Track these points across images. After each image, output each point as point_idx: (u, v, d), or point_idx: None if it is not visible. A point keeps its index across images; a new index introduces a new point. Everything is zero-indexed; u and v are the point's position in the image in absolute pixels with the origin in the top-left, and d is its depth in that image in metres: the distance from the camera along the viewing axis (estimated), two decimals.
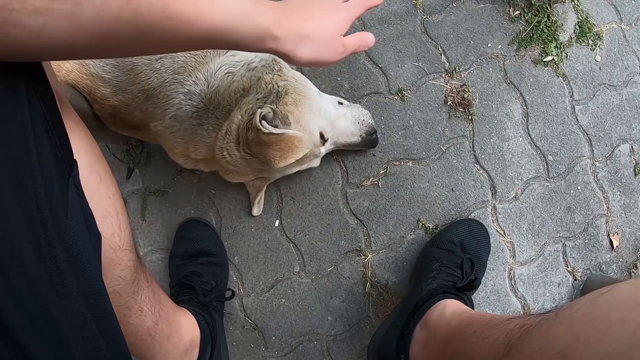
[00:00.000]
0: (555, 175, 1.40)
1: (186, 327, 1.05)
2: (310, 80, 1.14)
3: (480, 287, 1.29)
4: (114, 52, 0.58)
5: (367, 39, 0.80)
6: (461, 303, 1.09)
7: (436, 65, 1.39)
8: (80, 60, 1.07)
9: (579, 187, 1.41)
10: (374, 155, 1.34)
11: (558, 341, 0.55)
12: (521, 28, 1.44)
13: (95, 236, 0.61)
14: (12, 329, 0.46)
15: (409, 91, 1.37)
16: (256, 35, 0.63)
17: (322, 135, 1.11)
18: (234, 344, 1.32)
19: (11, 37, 0.47)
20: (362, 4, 0.78)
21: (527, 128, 1.40)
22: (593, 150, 1.44)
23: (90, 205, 0.62)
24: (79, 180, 0.60)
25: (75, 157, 0.60)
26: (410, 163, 1.35)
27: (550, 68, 1.44)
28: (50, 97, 0.57)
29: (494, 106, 1.39)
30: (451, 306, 1.05)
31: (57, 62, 1.06)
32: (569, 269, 1.39)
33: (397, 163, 1.35)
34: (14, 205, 0.47)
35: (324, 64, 0.75)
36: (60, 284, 0.50)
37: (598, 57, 1.48)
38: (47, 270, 0.49)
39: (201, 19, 0.56)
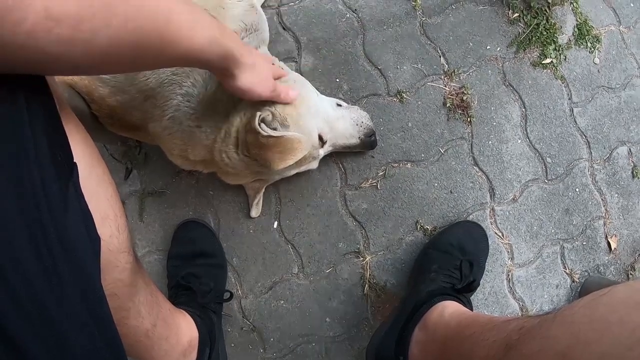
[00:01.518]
0: (553, 177, 1.41)
1: (184, 328, 1.05)
2: (309, 81, 1.14)
3: (478, 288, 1.29)
4: (110, 70, 0.69)
5: (291, 94, 1.01)
6: (460, 304, 1.09)
7: (435, 67, 1.39)
8: None
9: (577, 190, 1.42)
10: (373, 157, 1.34)
11: (557, 342, 0.55)
12: (520, 30, 1.44)
13: (94, 239, 0.61)
14: (11, 330, 0.46)
15: (407, 93, 1.37)
16: (221, 54, 0.76)
17: (320, 137, 1.11)
18: (233, 345, 1.32)
19: (29, 60, 0.50)
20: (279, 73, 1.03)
21: (526, 130, 1.41)
22: (591, 153, 1.44)
23: (88, 207, 0.62)
24: (79, 183, 0.60)
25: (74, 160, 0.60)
26: (408, 165, 1.35)
27: (549, 70, 1.44)
28: (49, 99, 0.57)
29: (492, 108, 1.40)
30: (450, 307, 1.05)
31: None
32: (567, 270, 1.39)
33: (396, 165, 1.35)
34: (13, 208, 0.47)
35: (257, 95, 0.91)
36: (59, 286, 0.50)
37: (597, 60, 1.48)
38: (46, 272, 0.49)
39: (185, 43, 0.67)
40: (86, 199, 0.62)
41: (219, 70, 0.82)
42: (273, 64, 1.09)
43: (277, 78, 1.02)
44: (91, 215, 0.61)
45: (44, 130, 0.53)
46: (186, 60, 0.72)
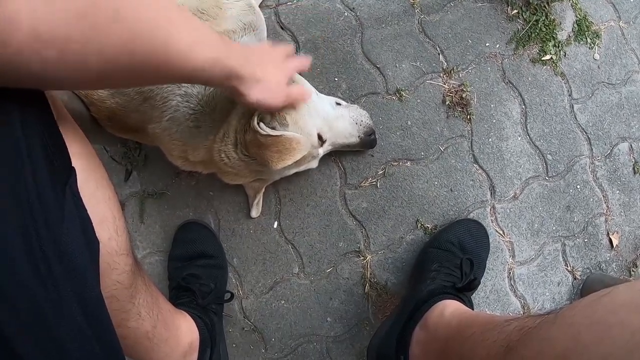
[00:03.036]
0: (554, 174, 1.40)
1: (185, 330, 1.05)
2: (307, 81, 1.14)
3: (479, 287, 1.29)
4: (107, 87, 0.74)
5: (306, 95, 1.01)
6: (461, 303, 1.09)
7: (434, 65, 1.39)
8: None
9: (578, 186, 1.41)
10: (372, 156, 1.34)
11: (557, 344, 0.55)
12: (519, 27, 1.44)
13: (92, 242, 0.61)
14: (7, 336, 0.46)
15: (407, 91, 1.37)
16: (224, 74, 0.75)
17: (320, 137, 1.11)
18: (234, 345, 1.32)
19: (18, 79, 0.50)
20: (296, 68, 0.98)
21: (526, 127, 1.40)
22: (592, 149, 1.43)
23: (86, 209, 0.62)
24: (77, 187, 0.60)
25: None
26: (408, 163, 1.35)
27: (548, 67, 1.43)
28: (45, 104, 0.57)
29: (492, 105, 1.39)
30: (450, 306, 1.05)
31: None
32: (569, 268, 1.39)
33: (396, 163, 1.35)
34: (7, 215, 0.47)
35: (269, 107, 0.91)
36: (55, 292, 0.50)
37: (596, 56, 1.48)
38: (41, 278, 0.49)
39: (185, 63, 0.65)
40: (84, 202, 0.62)
41: (225, 88, 0.82)
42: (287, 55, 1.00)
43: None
44: (89, 220, 0.61)
45: (39, 136, 0.53)
46: (187, 80, 0.73)
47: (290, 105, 0.98)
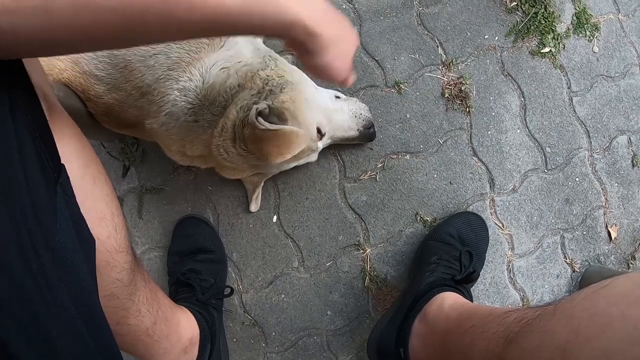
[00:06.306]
0: (553, 167, 1.40)
1: (185, 325, 1.05)
2: (306, 74, 1.13)
3: (479, 279, 1.29)
4: (102, 45, 0.53)
5: (350, 82, 0.81)
6: (460, 296, 1.09)
7: (433, 57, 1.38)
8: (73, 58, 1.05)
9: (577, 179, 1.41)
10: (372, 149, 1.34)
11: (557, 337, 0.54)
12: (518, 19, 1.43)
13: (86, 241, 0.60)
14: (1, 338, 0.46)
15: (405, 84, 1.36)
16: (283, 23, 0.57)
17: (319, 130, 1.10)
18: (234, 340, 1.32)
19: None
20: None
21: (525, 120, 1.40)
22: (591, 142, 1.43)
23: (84, 207, 0.61)
24: (69, 185, 0.59)
25: (66, 160, 0.59)
26: (407, 156, 1.35)
27: (547, 59, 1.43)
28: (35, 103, 0.56)
29: (491, 98, 1.39)
30: (449, 299, 1.05)
31: (49, 60, 1.05)
32: (568, 260, 1.39)
33: (395, 156, 1.34)
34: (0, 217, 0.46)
35: (333, 76, 0.73)
36: (48, 291, 0.50)
37: (595, 48, 1.47)
38: (34, 278, 0.48)
39: (207, 2, 0.49)
40: (82, 199, 0.61)
41: (283, 39, 0.63)
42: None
43: None
44: (82, 217, 0.60)
45: (30, 134, 0.52)
46: (211, 28, 0.53)
47: (345, 85, 0.82)
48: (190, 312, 1.10)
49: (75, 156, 0.64)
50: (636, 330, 0.47)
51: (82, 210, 0.61)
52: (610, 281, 0.55)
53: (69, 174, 0.59)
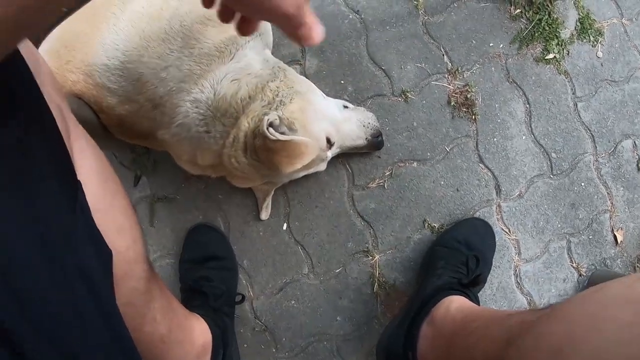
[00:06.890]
0: (558, 172, 1.41)
1: (198, 332, 1.07)
2: (314, 84, 1.15)
3: (486, 284, 1.30)
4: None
5: (317, 31, 0.57)
6: (466, 299, 1.10)
7: (439, 66, 1.40)
8: (86, 71, 1.08)
9: (582, 184, 1.42)
10: (379, 157, 1.36)
11: (552, 339, 0.56)
12: (522, 26, 1.45)
13: (105, 254, 0.62)
14: (24, 352, 0.47)
15: (412, 92, 1.38)
16: None
17: (328, 140, 1.12)
18: (245, 345, 1.34)
19: None
20: None
21: (530, 126, 1.41)
22: (596, 147, 1.45)
23: (104, 221, 0.63)
24: (85, 203, 0.60)
25: (86, 177, 0.61)
26: (415, 164, 1.36)
27: (552, 66, 1.44)
28: (51, 124, 0.57)
29: (497, 105, 1.40)
30: (456, 302, 1.07)
31: (62, 72, 1.07)
32: (574, 264, 1.40)
33: (402, 164, 1.36)
34: (32, 243, 0.48)
35: (274, 4, 0.50)
36: (77, 307, 0.52)
37: (600, 54, 1.48)
38: (60, 293, 0.50)
39: None
40: (102, 214, 0.63)
41: None
42: None
43: None
44: (99, 232, 0.62)
45: (48, 155, 0.54)
46: None
47: (296, 27, 0.56)
48: (203, 319, 1.12)
49: (95, 173, 0.66)
50: (626, 331, 0.49)
51: (102, 224, 0.62)
52: (603, 285, 0.56)
53: (89, 191, 0.61)
